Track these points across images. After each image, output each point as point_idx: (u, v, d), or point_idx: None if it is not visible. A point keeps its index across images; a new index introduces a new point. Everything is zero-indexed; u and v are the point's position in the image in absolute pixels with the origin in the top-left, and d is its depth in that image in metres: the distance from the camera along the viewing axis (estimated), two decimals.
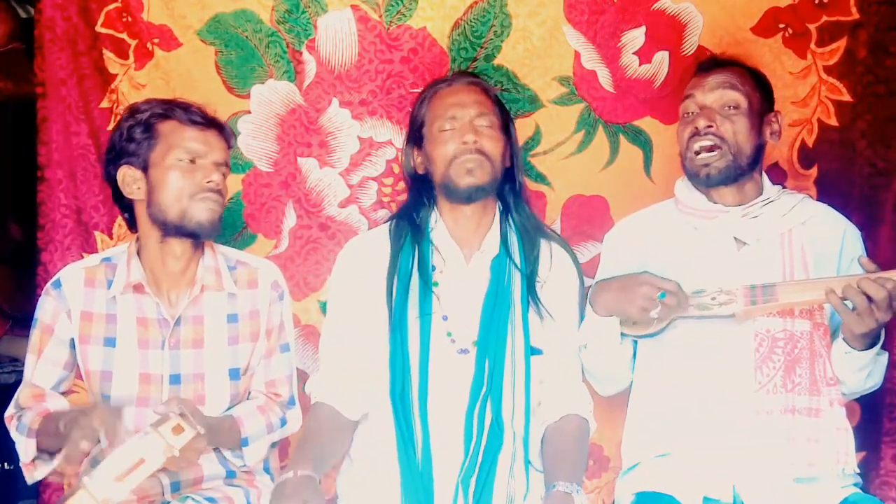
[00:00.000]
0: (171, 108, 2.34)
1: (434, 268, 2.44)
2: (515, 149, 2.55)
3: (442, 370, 2.38)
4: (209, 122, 2.36)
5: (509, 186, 2.52)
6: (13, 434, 2.35)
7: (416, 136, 2.53)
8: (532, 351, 2.41)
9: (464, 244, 2.47)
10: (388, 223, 2.54)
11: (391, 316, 2.40)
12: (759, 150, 2.44)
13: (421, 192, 2.52)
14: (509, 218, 2.50)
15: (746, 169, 2.40)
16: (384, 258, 2.45)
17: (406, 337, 2.38)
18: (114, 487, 1.99)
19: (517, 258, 2.44)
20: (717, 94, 2.41)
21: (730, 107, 2.40)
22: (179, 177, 2.31)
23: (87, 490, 1.99)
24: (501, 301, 2.41)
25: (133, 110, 2.38)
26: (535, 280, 2.44)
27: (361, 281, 2.45)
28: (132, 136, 2.33)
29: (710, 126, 2.38)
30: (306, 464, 2.19)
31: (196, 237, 2.34)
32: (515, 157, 2.54)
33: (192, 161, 2.31)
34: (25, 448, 2.30)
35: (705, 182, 2.40)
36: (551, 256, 2.49)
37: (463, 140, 2.40)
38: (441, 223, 2.48)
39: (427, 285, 2.41)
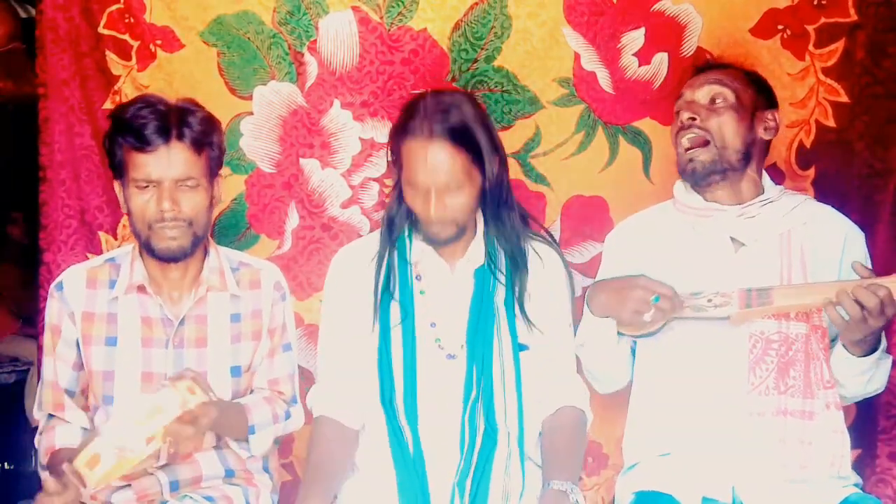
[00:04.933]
0: (125, 127, 2.26)
1: (419, 277, 2.45)
2: (502, 170, 2.43)
3: (432, 376, 2.39)
4: (160, 140, 2.24)
5: (491, 199, 2.43)
6: (35, 442, 2.39)
7: (397, 155, 2.41)
8: (520, 347, 2.42)
9: (446, 254, 2.45)
10: (380, 230, 2.51)
11: (377, 323, 2.41)
12: (752, 146, 2.42)
13: (402, 200, 2.44)
14: (492, 223, 2.46)
15: (737, 165, 2.39)
16: (371, 267, 2.46)
17: (389, 344, 2.40)
18: (130, 432, 2.01)
19: (502, 268, 2.44)
20: (705, 89, 2.41)
21: (715, 100, 2.40)
22: (138, 204, 2.28)
23: (102, 437, 2.01)
24: (486, 307, 2.41)
25: (111, 119, 2.35)
26: (522, 291, 2.43)
27: (352, 289, 2.46)
28: (111, 152, 2.32)
29: (693, 118, 2.39)
30: (317, 494, 2.23)
31: (166, 261, 2.33)
32: (502, 175, 2.44)
33: (147, 186, 2.26)
34: (41, 475, 2.30)
35: (692, 178, 2.41)
36: (538, 259, 2.48)
37: (428, 209, 2.33)
38: (422, 238, 2.45)
39: (407, 294, 2.42)
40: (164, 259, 2.32)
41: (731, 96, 2.40)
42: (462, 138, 2.32)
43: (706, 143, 2.38)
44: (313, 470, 2.33)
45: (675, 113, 2.47)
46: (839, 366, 2.29)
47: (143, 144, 2.25)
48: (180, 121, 2.28)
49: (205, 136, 2.31)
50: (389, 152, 2.45)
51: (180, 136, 2.27)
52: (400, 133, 2.36)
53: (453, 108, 2.34)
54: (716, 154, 2.38)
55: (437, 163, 2.30)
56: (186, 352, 2.36)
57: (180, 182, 2.27)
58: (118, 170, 2.32)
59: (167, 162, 2.26)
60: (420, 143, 2.31)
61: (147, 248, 2.32)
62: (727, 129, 2.38)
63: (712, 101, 2.40)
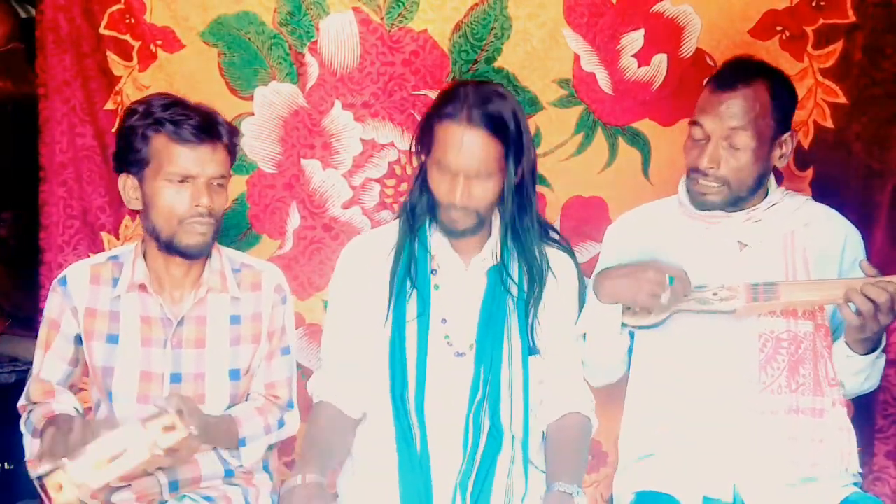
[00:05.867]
0: (163, 121, 2.27)
1: (434, 271, 2.45)
2: (530, 171, 2.43)
3: (439, 373, 2.39)
4: (203, 137, 2.28)
5: (514, 200, 2.41)
6: (21, 427, 2.37)
7: (426, 144, 2.41)
8: (530, 351, 2.42)
9: (462, 250, 2.46)
10: (397, 220, 2.51)
11: (390, 317, 2.41)
12: (765, 175, 2.40)
13: (424, 190, 2.45)
14: (510, 227, 2.45)
15: (746, 196, 2.39)
16: (386, 258, 2.46)
17: (404, 338, 2.40)
18: (91, 474, 1.99)
19: (514, 271, 2.43)
20: (727, 130, 2.33)
21: (736, 142, 2.32)
22: (169, 198, 2.27)
23: (65, 471, 1.99)
24: (498, 306, 2.42)
25: (131, 113, 2.33)
26: (537, 299, 2.43)
27: (362, 280, 2.46)
28: (131, 146, 2.30)
29: (712, 167, 2.34)
30: (313, 468, 2.23)
31: (186, 257, 2.32)
32: (530, 177, 2.44)
33: (183, 181, 2.27)
34: (31, 446, 2.33)
35: (700, 208, 2.41)
36: (552, 266, 2.47)
37: (454, 194, 2.33)
38: (439, 230, 2.46)
39: (426, 287, 2.42)
40: (187, 255, 2.32)
41: (752, 142, 2.32)
42: (500, 129, 2.33)
43: (719, 184, 2.36)
44: (309, 447, 2.34)
45: (690, 134, 2.40)
46: (839, 364, 2.31)
47: (189, 138, 2.26)
48: (217, 122, 2.33)
49: (233, 139, 2.37)
50: (416, 139, 2.45)
51: (220, 136, 2.31)
52: (436, 115, 2.36)
53: (495, 97, 2.36)
54: (728, 195, 2.37)
55: (471, 149, 2.31)
56: (185, 352, 2.36)
57: (213, 179, 2.30)
58: (138, 164, 2.29)
59: (209, 158, 2.29)
60: (458, 127, 2.31)
61: (168, 245, 2.31)
62: (744, 173, 2.35)
63: (733, 146, 2.33)
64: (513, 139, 2.34)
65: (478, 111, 2.31)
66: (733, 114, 2.33)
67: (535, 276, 2.43)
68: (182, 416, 2.06)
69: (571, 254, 2.55)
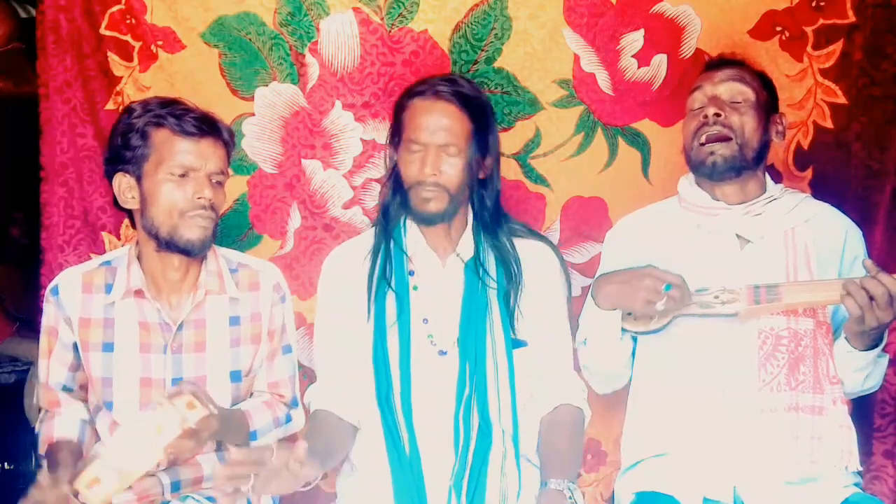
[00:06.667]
0: (164, 116, 2.27)
1: (412, 272, 2.45)
2: (493, 153, 2.48)
3: (425, 372, 2.39)
4: (204, 131, 2.27)
5: (481, 192, 2.47)
6: (36, 431, 2.39)
7: (397, 135, 2.47)
8: (515, 343, 2.42)
9: (438, 247, 2.46)
10: (373, 228, 2.53)
11: (371, 322, 2.41)
12: (765, 147, 2.45)
13: (397, 189, 2.48)
14: (481, 221, 2.48)
15: (751, 163, 2.41)
16: (363, 264, 2.46)
17: (385, 342, 2.40)
18: (129, 457, 1.99)
19: (492, 264, 2.44)
20: (727, 86, 2.42)
21: (738, 100, 2.41)
22: (170, 192, 2.25)
23: (102, 460, 1.99)
24: (478, 301, 2.41)
25: (129, 111, 2.32)
26: (516, 287, 2.43)
27: (344, 289, 2.46)
28: (128, 143, 2.28)
29: (718, 115, 2.39)
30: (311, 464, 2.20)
31: (186, 254, 2.30)
32: (494, 162, 2.48)
33: (184, 175, 2.26)
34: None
35: (710, 172, 2.41)
36: (531, 255, 2.48)
37: (424, 170, 2.37)
38: (414, 228, 2.47)
39: (404, 290, 2.42)
40: (188, 251, 2.29)
41: (752, 96, 2.42)
42: (468, 105, 2.40)
43: (727, 140, 2.39)
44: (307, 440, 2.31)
45: (690, 107, 2.47)
46: (840, 361, 2.31)
47: (192, 131, 2.26)
48: (216, 120, 2.34)
49: (231, 139, 2.37)
50: (390, 133, 2.49)
51: (220, 133, 2.32)
52: (406, 98, 2.44)
53: (462, 80, 2.46)
54: (736, 150, 2.39)
55: (440, 119, 2.38)
56: (185, 357, 2.34)
57: (213, 175, 2.29)
58: (136, 161, 2.27)
59: (211, 152, 2.29)
60: (426, 101, 2.40)
61: (168, 241, 2.28)
62: (748, 128, 2.40)
63: (734, 99, 2.42)
64: (481, 121, 2.41)
65: (445, 87, 2.41)
66: (729, 75, 2.44)
67: (510, 268, 2.44)
68: (199, 397, 2.06)
69: (549, 243, 2.55)
